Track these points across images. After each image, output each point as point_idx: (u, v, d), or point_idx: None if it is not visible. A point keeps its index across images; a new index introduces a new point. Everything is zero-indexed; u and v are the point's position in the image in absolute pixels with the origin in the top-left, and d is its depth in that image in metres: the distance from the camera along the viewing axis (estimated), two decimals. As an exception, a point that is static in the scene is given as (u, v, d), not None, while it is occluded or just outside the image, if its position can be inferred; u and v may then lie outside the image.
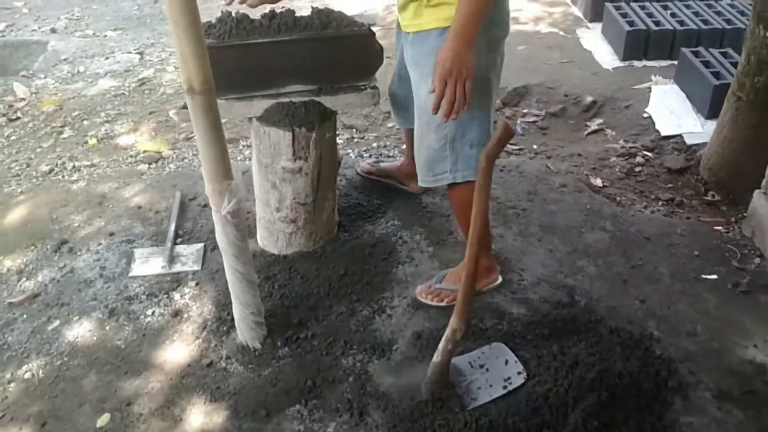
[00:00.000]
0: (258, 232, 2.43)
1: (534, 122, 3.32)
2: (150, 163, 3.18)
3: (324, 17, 2.07)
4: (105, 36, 5.14)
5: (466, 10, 1.69)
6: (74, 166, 3.19)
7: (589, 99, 3.36)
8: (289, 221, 2.29)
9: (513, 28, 4.23)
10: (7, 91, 4.10)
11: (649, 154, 2.99)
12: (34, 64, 4.63)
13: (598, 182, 2.84)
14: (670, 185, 2.83)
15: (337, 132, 3.28)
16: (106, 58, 4.54)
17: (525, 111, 3.39)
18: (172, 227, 2.52)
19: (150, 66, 4.32)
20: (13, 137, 3.54)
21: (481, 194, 1.59)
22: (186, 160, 3.17)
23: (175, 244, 2.47)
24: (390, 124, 3.38)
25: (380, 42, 2.16)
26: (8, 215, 2.72)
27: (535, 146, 3.16)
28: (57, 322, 2.18)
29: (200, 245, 2.46)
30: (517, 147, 3.14)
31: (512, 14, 4.41)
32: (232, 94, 2.09)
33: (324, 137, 2.15)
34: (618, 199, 2.74)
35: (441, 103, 1.73)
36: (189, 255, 2.42)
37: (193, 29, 1.45)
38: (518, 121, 3.32)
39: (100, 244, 2.50)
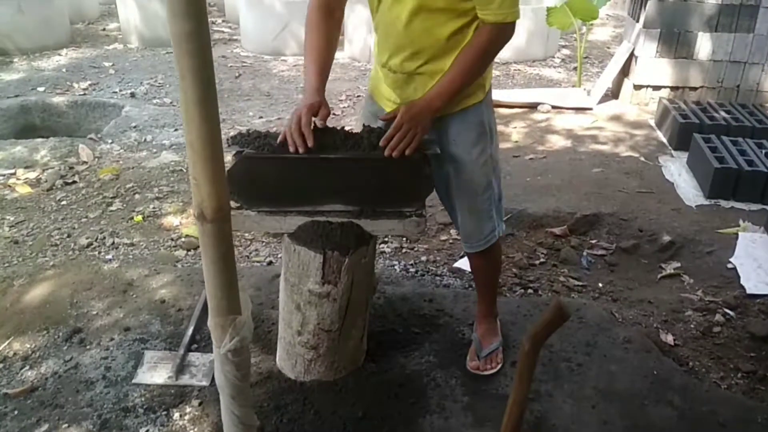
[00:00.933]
0: (278, 352, 2.21)
1: (602, 256, 3.02)
2: (188, 250, 3.05)
3: (375, 137, 1.89)
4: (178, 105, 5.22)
5: (459, 83, 1.86)
6: (113, 243, 3.09)
7: (666, 238, 3.04)
8: (309, 347, 2.06)
9: (589, 147, 4.06)
10: (72, 152, 4.13)
11: (731, 312, 2.63)
12: (104, 127, 4.69)
13: (670, 339, 2.49)
14: (752, 354, 2.45)
15: (385, 239, 3.10)
16: (175, 130, 4.56)
17: (593, 242, 3.10)
18: (189, 332, 2.33)
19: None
20: (64, 202, 3.51)
21: (521, 383, 1.32)
22: (225, 251, 3.01)
23: (189, 350, 2.27)
24: (444, 237, 3.15)
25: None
26: (31, 291, 2.61)
27: (600, 284, 2.85)
28: (45, 426, 1.98)
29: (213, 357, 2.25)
30: (580, 283, 2.84)
31: (591, 132, 4.19)
32: (265, 207, 1.91)
33: (359, 263, 1.94)
34: (691, 363, 2.39)
35: (392, 142, 1.82)
36: (200, 366, 2.21)
37: (211, 153, 1.27)
38: (584, 253, 3.03)
39: (112, 340, 2.32)
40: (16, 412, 2.04)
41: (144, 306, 2.50)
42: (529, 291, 2.76)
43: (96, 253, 3.00)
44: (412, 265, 2.91)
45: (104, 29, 7.52)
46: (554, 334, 2.30)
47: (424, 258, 2.97)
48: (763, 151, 3.48)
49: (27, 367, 2.23)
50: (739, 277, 2.80)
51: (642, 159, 3.83)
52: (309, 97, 1.88)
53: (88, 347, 2.30)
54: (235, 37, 7.37)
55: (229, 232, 1.41)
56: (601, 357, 2.30)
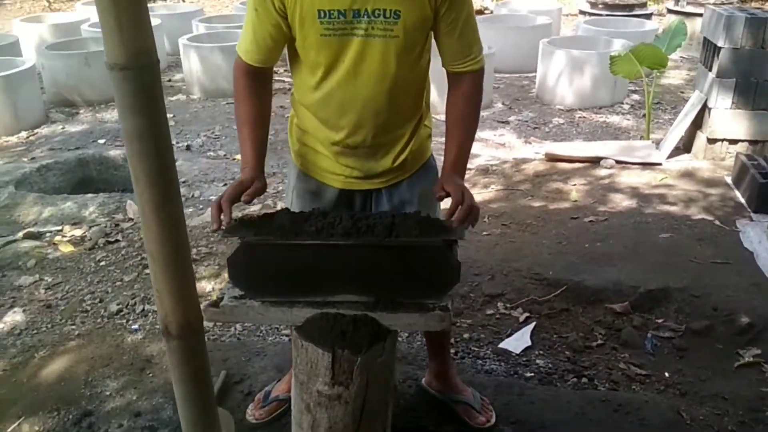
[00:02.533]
0: (291, 451, 1.99)
1: (670, 339, 2.68)
2: (217, 321, 2.89)
3: (387, 221, 1.68)
4: (233, 159, 5.18)
5: (468, 147, 1.81)
6: (143, 310, 2.98)
7: (744, 319, 2.67)
8: (322, 453, 1.83)
9: (657, 208, 3.71)
10: (119, 209, 4.11)
11: (824, 414, 2.24)
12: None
13: (748, 446, 2.14)
14: None
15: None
16: (224, 184, 4.49)
17: (659, 322, 2.76)
18: (201, 421, 2.15)
19: (262, 199, 4.17)
20: (102, 263, 3.45)
21: None
22: (254, 326, 2.85)
23: (198, 443, 2.08)
24: (490, 311, 2.88)
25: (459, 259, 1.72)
26: (50, 365, 2.51)
27: (667, 374, 2.51)
28: None
29: (225, 452, 2.06)
30: (643, 372, 2.51)
31: (660, 190, 3.84)
32: (269, 297, 1.73)
33: (373, 362, 1.71)
34: (774, 478, 2.02)
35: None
36: (209, 462, 2.02)
37: (173, 265, 1.10)
38: (649, 335, 2.69)
39: (120, 426, 2.18)
40: None
41: (159, 387, 2.35)
42: (583, 380, 2.45)
43: (124, 321, 2.89)
44: (452, 344, 2.65)
45: (170, 80, 7.67)
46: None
47: (466, 335, 2.71)
48: None
49: (32, 455, 2.11)
50: (833, 370, 2.41)
51: (717, 223, 3.45)
52: (243, 173, 1.73)
53: (95, 434, 2.16)
54: (295, 86, 7.40)
55: (199, 348, 1.23)
56: (663, 471, 1.97)
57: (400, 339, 2.70)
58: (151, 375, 2.42)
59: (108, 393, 2.34)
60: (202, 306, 1.82)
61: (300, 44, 1.71)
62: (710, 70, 4.12)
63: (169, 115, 6.29)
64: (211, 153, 5.40)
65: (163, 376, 2.41)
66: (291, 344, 1.81)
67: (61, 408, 2.28)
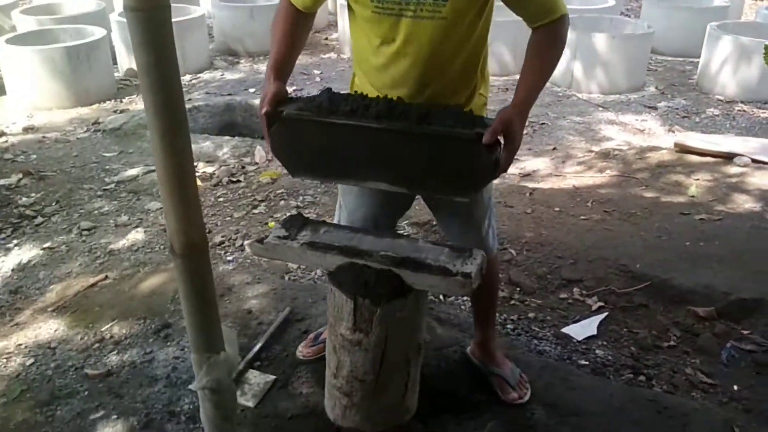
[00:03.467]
0: (325, 388, 2.14)
1: (751, 352, 2.48)
2: (302, 263, 3.09)
3: (423, 110, 1.71)
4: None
5: (539, 83, 1.75)
6: (241, 245, 3.25)
7: None
8: (343, 393, 1.95)
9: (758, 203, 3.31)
10: (249, 152, 4.45)
11: None
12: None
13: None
14: None
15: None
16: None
17: (744, 333, 2.56)
18: (255, 349, 2.36)
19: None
20: (221, 199, 3.78)
21: None
22: (334, 271, 3.01)
23: (250, 367, 2.29)
24: (564, 294, 2.82)
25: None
26: (149, 280, 2.84)
27: (736, 387, 2.34)
28: (101, 413, 2.14)
29: (271, 378, 2.25)
30: (709, 381, 2.36)
31: None
32: (307, 176, 1.88)
33: (392, 315, 1.79)
34: None
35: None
36: (254, 386, 2.23)
37: (177, 189, 1.25)
38: (729, 344, 2.51)
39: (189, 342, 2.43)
40: (86, 393, 2.23)
41: (231, 313, 2.59)
42: (640, 378, 2.36)
43: (222, 252, 3.18)
44: (512, 320, 2.64)
45: (326, 38, 8.01)
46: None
47: (531, 315, 2.69)
48: None
49: (115, 352, 2.44)
50: None
51: None
52: (268, 86, 1.79)
53: (169, 344, 2.44)
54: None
55: (203, 268, 1.38)
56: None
57: (462, 308, 2.74)
58: (228, 301, 2.67)
59: (188, 311, 2.61)
60: (248, 242, 2.00)
61: (358, 14, 1.80)
62: None
63: (317, 71, 6.64)
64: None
65: (237, 304, 2.65)
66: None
67: (148, 317, 2.59)
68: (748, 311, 2.63)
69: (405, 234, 3.00)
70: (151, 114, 1.18)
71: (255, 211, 3.61)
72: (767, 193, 3.54)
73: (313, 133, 1.79)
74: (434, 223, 3.22)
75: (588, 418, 2.08)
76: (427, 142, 1.71)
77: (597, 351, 2.50)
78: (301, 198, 3.74)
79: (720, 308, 2.64)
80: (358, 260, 1.80)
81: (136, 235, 3.34)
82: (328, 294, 1.88)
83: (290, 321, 2.53)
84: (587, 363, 2.43)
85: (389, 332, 1.81)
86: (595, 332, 2.58)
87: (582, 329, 2.60)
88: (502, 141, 1.68)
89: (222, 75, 6.55)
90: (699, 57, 6.30)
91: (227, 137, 4.80)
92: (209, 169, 4.19)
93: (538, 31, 1.74)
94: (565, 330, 2.60)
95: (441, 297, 2.76)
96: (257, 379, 2.26)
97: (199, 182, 3.99)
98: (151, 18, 1.11)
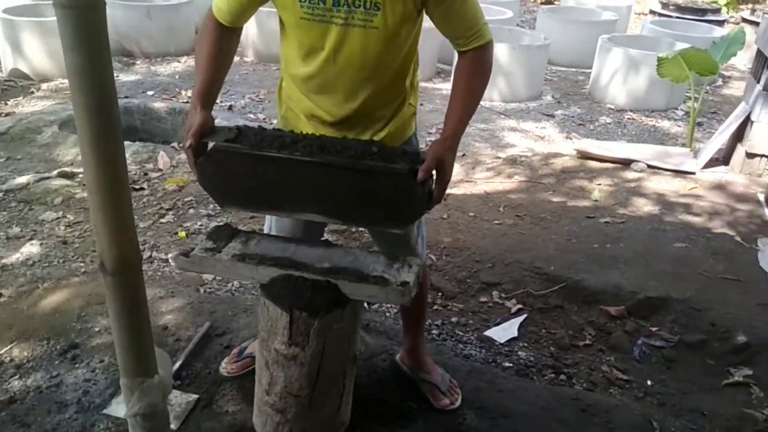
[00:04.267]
0: (254, 406, 2.05)
1: (660, 348, 2.62)
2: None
3: (361, 146, 1.70)
4: (271, 124, 5.24)
5: (469, 112, 1.78)
6: (150, 257, 3.08)
7: (741, 338, 2.59)
8: (277, 410, 1.88)
9: (678, 217, 3.60)
10: (151, 158, 4.24)
11: (803, 444, 2.17)
12: (190, 137, 4.79)
13: (715, 465, 2.09)
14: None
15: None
16: (255, 147, 4.56)
17: (653, 330, 2.70)
18: (176, 366, 2.23)
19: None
20: (124, 208, 3.56)
21: None
22: (250, 284, 2.92)
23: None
24: (483, 298, 2.87)
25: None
26: (50, 297, 2.63)
27: (649, 382, 2.46)
28: (5, 445, 1.95)
29: (193, 398, 2.14)
30: (624, 377, 2.47)
31: (686, 200, 3.73)
32: (236, 208, 1.80)
33: (330, 327, 1.74)
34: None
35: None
36: (176, 406, 2.10)
37: (110, 200, 1.15)
38: (640, 341, 2.64)
39: (101, 362, 2.27)
40: (-14, 423, 2.02)
41: (145, 330, 2.43)
42: (561, 377, 2.43)
43: (129, 265, 3.00)
44: (437, 325, 2.66)
45: (226, 41, 7.79)
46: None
47: (454, 319, 2.72)
48: None
49: (17, 376, 2.23)
50: (823, 401, 2.32)
51: (737, 239, 3.33)
52: (194, 115, 1.72)
53: (77, 365, 2.26)
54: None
55: (135, 284, 1.28)
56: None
57: (387, 315, 2.73)
58: (140, 317, 2.51)
59: (97, 329, 2.43)
60: (172, 254, 1.89)
61: (282, 19, 1.75)
62: (758, 82, 3.95)
63: (218, 75, 6.42)
64: (251, 115, 5.49)
65: (152, 320, 2.46)
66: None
67: (51, 338, 2.39)
68: (654, 309, 2.78)
69: (337, 243, 2.95)
70: (81, 119, 1.08)
71: (162, 220, 3.44)
72: (663, 197, 3.77)
73: (242, 166, 1.74)
74: (353, 230, 3.19)
75: (517, 420, 2.11)
76: (361, 176, 1.70)
77: (519, 353, 2.56)
78: (211, 206, 3.59)
79: (629, 307, 2.78)
80: (293, 272, 1.75)
81: (31, 249, 3.10)
82: (260, 308, 1.80)
83: (210, 336, 2.42)
84: (511, 365, 2.48)
85: (326, 345, 1.76)
86: (515, 334, 2.64)
87: (503, 332, 2.65)
88: (434, 175, 1.69)
89: (117, 77, 6.18)
90: (591, 68, 6.64)
91: (127, 142, 4.55)
92: (108, 177, 3.94)
93: (465, 57, 1.76)
94: (487, 333, 2.64)
95: (366, 305, 2.73)
96: (179, 399, 2.13)
97: (98, 190, 3.76)
98: (85, 17, 1.02)
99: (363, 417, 2.06)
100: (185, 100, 5.65)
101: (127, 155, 4.23)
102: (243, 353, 2.27)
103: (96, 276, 2.81)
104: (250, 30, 7.04)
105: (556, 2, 10.86)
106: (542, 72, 6.56)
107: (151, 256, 3.08)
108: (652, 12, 9.04)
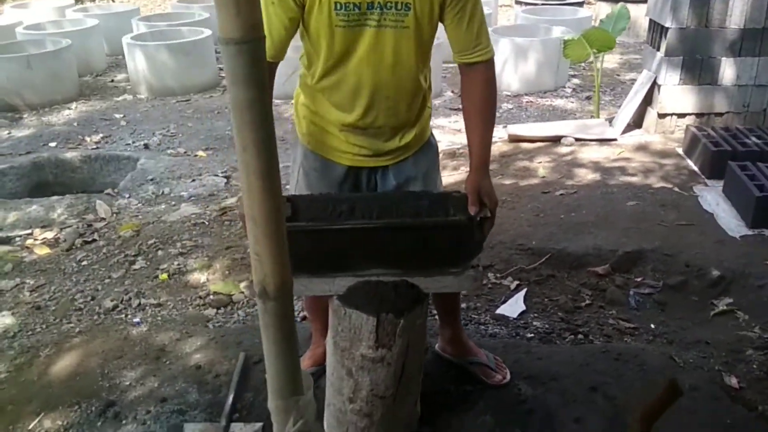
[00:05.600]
0: (325, 418, 2.07)
1: (650, 295, 2.89)
2: (218, 308, 2.93)
3: (412, 200, 1.81)
4: (195, 156, 5.14)
5: (490, 134, 1.91)
6: (140, 304, 2.98)
7: (715, 273, 2.91)
8: (363, 415, 1.92)
9: (619, 180, 3.96)
10: (89, 209, 4.04)
11: (795, 350, 2.49)
12: (120, 181, 4.61)
13: (734, 382, 2.35)
14: (825, 395, 2.31)
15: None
16: (193, 180, 4.48)
17: (639, 280, 2.98)
18: (229, 401, 2.20)
19: (235, 192, 4.19)
20: (84, 262, 3.40)
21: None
22: (256, 308, 2.87)
23: (231, 421, 2.14)
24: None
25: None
26: (59, 362, 2.49)
27: (652, 326, 2.72)
28: None
29: (258, 425, 2.12)
30: (631, 326, 2.71)
31: (619, 163, 4.06)
32: (300, 275, 1.81)
33: (413, 324, 1.81)
34: (760, 408, 2.24)
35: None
36: (244, 438, 2.08)
37: (273, 229, 1.17)
38: (632, 292, 2.90)
39: (148, 412, 2.20)
40: (52, 500, 1.91)
41: (179, 373, 2.38)
42: (579, 337, 2.63)
43: (122, 316, 2.89)
44: (491, 302, 2.79)
45: (112, 80, 7.49)
46: (617, 384, 2.19)
47: (464, 305, 2.84)
48: (804, 177, 3.38)
49: (61, 448, 2.11)
50: (797, 311, 2.67)
51: (676, 189, 3.71)
52: None
53: (123, 422, 2.18)
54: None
55: (291, 308, 1.30)
56: (670, 407, 2.15)
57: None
58: (168, 363, 2.44)
59: (127, 383, 2.34)
60: (244, 283, 1.89)
61: (313, 34, 1.79)
62: (658, 49, 4.40)
63: (118, 116, 6.20)
64: (171, 150, 5.34)
65: (181, 363, 2.44)
66: (330, 313, 1.89)
67: (81, 401, 2.27)
68: (634, 262, 3.06)
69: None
70: (250, 153, 1.10)
71: (135, 267, 3.32)
72: (599, 164, 4.11)
73: (307, 241, 1.80)
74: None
75: (565, 380, 2.28)
76: (423, 232, 1.80)
77: (534, 323, 2.73)
78: (179, 244, 3.50)
79: (612, 264, 3.04)
80: (369, 277, 1.81)
81: (4, 320, 2.89)
82: (337, 317, 1.84)
83: (248, 366, 2.40)
84: (533, 335, 2.65)
85: (410, 342, 1.84)
86: (524, 307, 2.81)
87: (512, 307, 2.81)
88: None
89: (9, 133, 5.83)
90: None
91: (55, 197, 4.30)
92: (49, 234, 3.74)
93: (474, 74, 1.85)
94: (499, 311, 2.80)
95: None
96: (245, 430, 2.12)
97: (47, 249, 3.57)
98: (254, 50, 1.05)
99: (429, 407, 2.14)
100: (94, 147, 5.41)
101: (61, 210, 4.06)
102: None
103: (97, 333, 2.69)
104: (140, 65, 6.82)
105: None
106: (439, 70, 6.85)
107: (140, 303, 2.98)
108: (517, 2, 9.65)
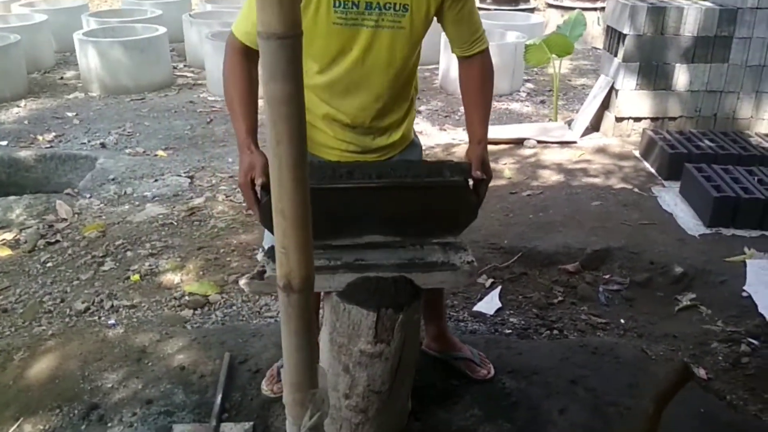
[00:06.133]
0: (321, 415, 2.09)
1: (618, 291, 3.01)
2: (195, 309, 2.90)
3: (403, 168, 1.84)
4: (155, 155, 5.04)
5: (488, 115, 1.99)
6: (112, 306, 2.92)
7: (678, 269, 3.05)
8: (359, 410, 1.95)
9: (582, 181, 4.10)
10: (48, 210, 3.92)
11: (756, 342, 2.64)
12: (76, 180, 4.49)
13: (702, 373, 2.47)
14: (785, 383, 2.46)
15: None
16: (155, 180, 4.39)
17: (607, 277, 3.09)
18: (218, 400, 2.19)
19: (200, 192, 4.14)
20: (49, 264, 3.31)
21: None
22: (234, 308, 2.89)
23: (221, 421, 2.13)
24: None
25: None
26: (35, 365, 2.42)
27: (622, 321, 2.83)
28: None
29: (249, 425, 2.12)
30: (602, 321, 2.81)
31: (581, 165, 4.19)
32: None
33: (411, 319, 1.85)
34: (728, 397, 2.37)
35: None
36: (236, 437, 2.07)
37: (301, 222, 1.19)
38: (601, 289, 3.01)
39: (134, 414, 2.16)
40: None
41: (163, 375, 2.35)
42: (555, 332, 2.72)
43: (96, 318, 2.83)
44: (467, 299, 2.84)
45: (62, 78, 7.27)
46: (596, 377, 2.27)
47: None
48: (755, 178, 3.57)
49: (44, 452, 2.06)
50: (755, 305, 2.82)
51: (636, 190, 3.87)
52: (247, 155, 1.78)
53: (109, 424, 2.14)
54: (200, 82, 7.23)
55: (312, 300, 1.32)
56: (646, 398, 2.26)
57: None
58: (150, 364, 2.40)
59: (110, 385, 2.30)
60: (243, 280, 1.89)
61: (308, 31, 1.76)
62: (615, 55, 4.57)
63: (70, 114, 6.04)
64: (129, 150, 5.22)
65: (164, 364, 2.41)
66: (327, 310, 1.91)
67: (63, 405, 2.22)
68: (602, 259, 3.18)
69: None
70: (284, 145, 1.12)
71: (104, 268, 3.24)
72: (562, 166, 4.24)
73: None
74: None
75: (547, 373, 2.35)
76: (420, 193, 1.81)
77: (511, 319, 2.80)
78: (148, 244, 3.44)
79: (582, 261, 3.15)
80: (369, 273, 1.83)
81: (-32, 323, 2.80)
82: (335, 313, 1.86)
83: (233, 366, 2.39)
84: (510, 331, 2.72)
85: (407, 336, 1.87)
86: (500, 304, 2.88)
87: (488, 305, 2.88)
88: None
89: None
90: (434, 64, 7.12)
91: (12, 197, 4.15)
92: (8, 236, 3.62)
93: (472, 63, 1.92)
94: (476, 308, 2.86)
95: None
96: (235, 429, 2.11)
97: (8, 251, 3.46)
98: (295, 46, 1.07)
99: (418, 402, 2.18)
100: (47, 146, 5.25)
101: (19, 211, 3.94)
102: (282, 373, 2.28)
103: (72, 335, 2.62)
104: (92, 62, 6.64)
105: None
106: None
107: (113, 305, 2.92)
108: (471, 7, 9.80)
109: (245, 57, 1.81)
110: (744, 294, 2.90)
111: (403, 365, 1.92)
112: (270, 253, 1.89)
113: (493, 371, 2.34)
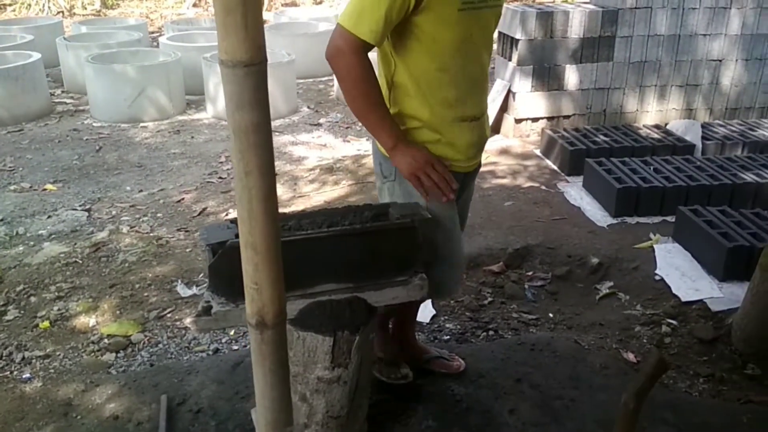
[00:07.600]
0: (275, 449, 2.01)
1: (542, 286, 3.11)
2: (117, 351, 2.72)
3: (352, 213, 1.84)
4: (44, 190, 4.70)
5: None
6: (23, 358, 2.68)
7: (594, 260, 3.20)
8: (318, 438, 1.90)
9: (492, 182, 4.21)
10: (-69, 259, 3.56)
11: (674, 322, 2.81)
12: (-39, 225, 4.11)
13: (631, 357, 2.61)
14: (705, 358, 2.63)
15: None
16: (49, 217, 4.10)
17: (530, 274, 3.19)
18: (164, 446, 2.06)
19: (101, 226, 3.90)
20: (-59, 319, 3.00)
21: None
22: (161, 346, 2.73)
23: (168, 468, 2.00)
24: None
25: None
26: (93, 394, 2.19)
27: (551, 314, 2.92)
28: None
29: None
30: (533, 317, 2.90)
31: (488, 167, 4.30)
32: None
33: (366, 339, 1.82)
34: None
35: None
36: (188, 484, 1.96)
37: (274, 256, 1.14)
38: (527, 286, 3.10)
39: (70, 475, 1.99)
40: None
41: (95, 427, 2.18)
42: (491, 333, 2.77)
43: (7, 373, 2.58)
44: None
45: None
46: (538, 373, 2.34)
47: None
48: (651, 167, 3.81)
49: None
50: (668, 287, 3.00)
51: (543, 188, 4.02)
52: (415, 150, 1.82)
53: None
54: (81, 108, 6.82)
55: (285, 336, 1.26)
56: (588, 388, 2.34)
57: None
58: (79, 417, 2.22)
59: (35, 446, 2.11)
60: (189, 319, 1.79)
61: (433, 22, 1.69)
62: (510, 60, 4.74)
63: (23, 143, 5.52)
64: (14, 186, 4.84)
65: (95, 416, 2.23)
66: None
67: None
68: (523, 257, 3.27)
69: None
70: (253, 177, 1.06)
71: (7, 317, 2.97)
72: (470, 169, 4.34)
73: None
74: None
75: (492, 374, 2.39)
76: (371, 238, 1.80)
77: (447, 325, 2.83)
78: (53, 287, 3.20)
79: (505, 261, 3.23)
80: (321, 297, 1.79)
81: None
82: (290, 343, 1.80)
83: (171, 408, 2.26)
84: (449, 337, 2.74)
85: (363, 357, 1.84)
86: (434, 311, 2.90)
87: (423, 313, 2.87)
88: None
89: None
90: (327, 75, 7.11)
91: None
92: None
93: None
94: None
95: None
96: (185, 476, 1.99)
97: None
98: (261, 73, 1.03)
99: (373, 421, 2.15)
100: None
101: None
102: None
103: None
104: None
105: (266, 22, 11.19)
106: (294, 86, 6.85)
107: (24, 357, 2.68)
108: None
109: (364, 58, 1.71)
110: (657, 278, 3.08)
111: (360, 387, 1.89)
112: (213, 286, 1.80)
113: (463, 363, 2.38)
